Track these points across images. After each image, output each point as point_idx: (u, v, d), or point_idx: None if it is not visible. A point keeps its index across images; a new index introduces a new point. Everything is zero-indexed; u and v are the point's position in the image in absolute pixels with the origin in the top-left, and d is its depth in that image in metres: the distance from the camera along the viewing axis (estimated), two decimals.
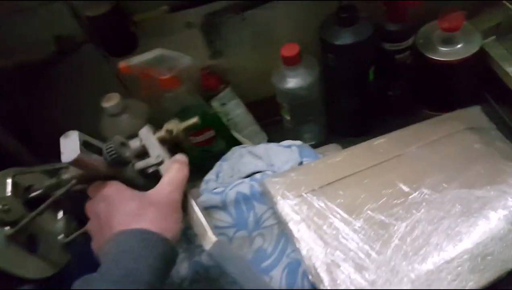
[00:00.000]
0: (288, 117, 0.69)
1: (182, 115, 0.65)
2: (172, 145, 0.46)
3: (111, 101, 0.61)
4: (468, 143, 0.56)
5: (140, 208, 0.38)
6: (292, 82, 0.63)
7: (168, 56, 0.57)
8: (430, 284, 0.43)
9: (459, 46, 0.63)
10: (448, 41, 0.63)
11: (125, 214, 0.37)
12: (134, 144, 0.44)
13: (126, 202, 0.38)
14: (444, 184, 0.49)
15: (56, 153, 0.39)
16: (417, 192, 0.49)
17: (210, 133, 0.69)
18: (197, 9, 0.63)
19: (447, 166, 0.52)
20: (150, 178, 0.43)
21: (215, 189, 0.59)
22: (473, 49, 0.62)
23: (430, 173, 0.51)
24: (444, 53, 0.63)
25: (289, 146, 0.62)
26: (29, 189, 0.44)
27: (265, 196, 0.53)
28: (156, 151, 0.43)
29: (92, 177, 0.41)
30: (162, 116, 0.62)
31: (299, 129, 0.73)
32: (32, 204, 0.43)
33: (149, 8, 0.59)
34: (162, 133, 0.45)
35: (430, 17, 0.66)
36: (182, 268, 0.52)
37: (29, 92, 0.65)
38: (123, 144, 0.42)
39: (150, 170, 0.43)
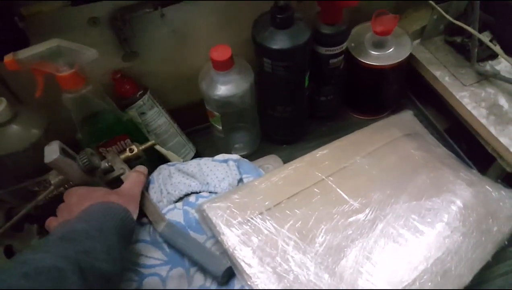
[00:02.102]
0: (219, 127, 0.62)
1: (91, 122, 0.55)
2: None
3: None
4: (407, 150, 0.55)
5: (106, 194, 0.46)
6: (224, 89, 0.56)
7: (67, 48, 0.46)
8: None
9: (390, 50, 0.62)
10: (379, 45, 0.62)
11: (93, 197, 0.45)
12: (103, 164, 0.53)
13: (94, 191, 0.47)
14: (393, 198, 0.47)
15: None
16: (368, 209, 0.46)
17: (126, 143, 0.59)
18: (104, 3, 0.52)
19: (392, 177, 0.51)
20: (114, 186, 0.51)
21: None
22: (404, 53, 0.62)
23: (378, 186, 0.49)
24: (376, 57, 0.62)
25: (225, 161, 0.55)
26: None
27: (203, 224, 0.46)
28: (119, 165, 0.53)
29: (67, 184, 0.50)
30: (63, 123, 0.53)
31: (230, 138, 0.66)
32: None
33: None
34: (126, 153, 0.55)
35: (362, 19, 0.64)
36: None
37: None
38: (93, 154, 0.50)
39: (114, 176, 0.52)
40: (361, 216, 0.45)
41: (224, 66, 0.54)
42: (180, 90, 0.65)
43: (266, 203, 0.46)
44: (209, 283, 0.43)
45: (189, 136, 0.69)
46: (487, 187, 0.51)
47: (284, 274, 0.40)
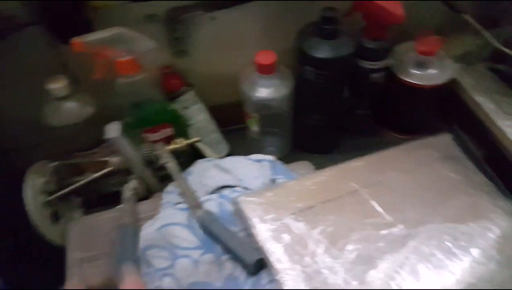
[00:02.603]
0: (255, 128, 0.64)
1: (140, 108, 0.58)
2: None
3: (57, 83, 0.55)
4: (444, 173, 0.55)
5: None
6: (265, 92, 0.58)
7: (128, 36, 0.51)
8: None
9: (432, 71, 0.63)
10: (421, 65, 0.63)
11: None
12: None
13: None
14: (427, 218, 0.47)
15: None
16: (401, 224, 0.46)
17: (168, 131, 0.61)
18: (162, 2, 0.56)
19: (427, 196, 0.51)
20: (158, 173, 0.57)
21: (178, 203, 0.53)
22: (446, 76, 0.62)
23: (412, 204, 0.49)
24: (417, 77, 0.63)
25: (259, 161, 0.57)
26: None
27: (237, 216, 0.48)
28: (165, 155, 0.56)
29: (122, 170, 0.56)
30: (111, 109, 0.57)
31: (263, 141, 0.68)
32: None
33: None
34: (173, 145, 0.59)
35: (405, 38, 0.65)
36: None
37: None
38: (154, 150, 0.56)
39: (158, 165, 0.57)
40: (393, 230, 0.46)
41: (267, 70, 0.56)
42: (221, 90, 0.68)
43: (299, 204, 0.47)
44: (238, 272, 0.44)
45: (224, 135, 0.71)
46: None
47: (312, 275, 0.41)
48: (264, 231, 0.44)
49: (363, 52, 0.59)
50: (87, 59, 0.51)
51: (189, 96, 0.63)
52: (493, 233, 0.46)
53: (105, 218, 0.55)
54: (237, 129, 0.73)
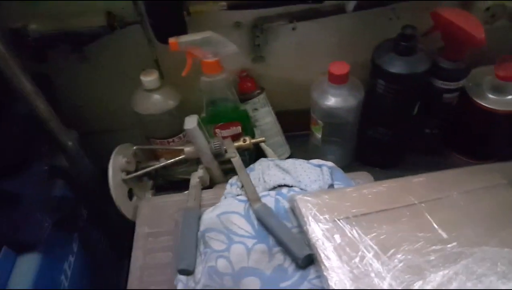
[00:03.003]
0: (319, 135, 0.66)
1: (216, 105, 0.64)
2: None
3: (149, 76, 0.62)
4: (508, 198, 0.53)
5: None
6: (334, 100, 0.60)
7: (216, 40, 0.56)
8: None
9: (510, 97, 0.61)
10: (499, 90, 0.61)
11: None
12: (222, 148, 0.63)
13: None
14: (484, 239, 0.46)
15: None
16: (455, 242, 0.46)
17: (237, 129, 0.66)
18: (250, 11, 0.61)
19: (486, 219, 0.49)
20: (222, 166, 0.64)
21: (238, 195, 0.56)
22: None
23: (469, 224, 0.48)
24: (493, 101, 0.61)
25: (319, 166, 0.59)
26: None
27: (292, 213, 0.50)
28: (232, 150, 0.62)
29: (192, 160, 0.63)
30: (191, 103, 0.63)
31: (325, 149, 0.70)
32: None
33: (207, 1, 0.57)
34: (240, 142, 0.63)
35: (485, 61, 0.64)
36: (197, 271, 0.49)
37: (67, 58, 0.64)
38: (223, 145, 0.61)
39: (225, 158, 0.62)
40: (447, 247, 0.45)
41: (339, 80, 0.58)
42: (291, 96, 0.71)
43: (354, 210, 0.48)
44: (287, 264, 0.47)
45: (287, 139, 0.74)
46: None
47: (359, 276, 0.42)
48: (317, 230, 0.46)
49: (438, 71, 0.59)
50: (176, 57, 0.58)
51: (259, 99, 0.68)
52: None
53: (173, 200, 0.61)
54: (300, 136, 0.76)
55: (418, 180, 0.54)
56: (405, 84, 0.56)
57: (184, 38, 0.55)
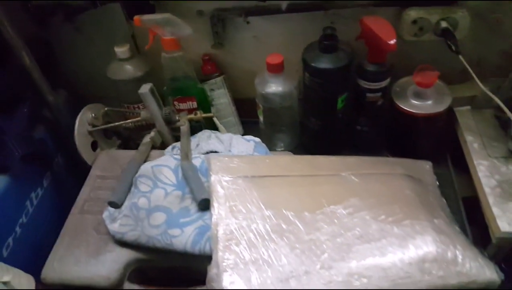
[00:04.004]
0: (261, 118, 0.76)
1: (175, 81, 0.75)
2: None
3: (122, 47, 0.74)
4: (400, 187, 0.60)
5: None
6: (269, 87, 0.70)
7: (174, 21, 0.67)
8: (308, 283, 0.48)
9: (428, 102, 0.68)
10: (419, 96, 0.69)
11: None
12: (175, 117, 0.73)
13: None
14: (364, 208, 0.55)
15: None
16: (330, 208, 0.55)
17: (193, 104, 0.77)
18: (210, 2, 0.72)
19: (370, 197, 0.57)
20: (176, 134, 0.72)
21: (176, 155, 0.67)
22: (440, 108, 0.67)
23: (352, 198, 0.57)
24: (413, 105, 0.69)
25: (249, 140, 0.69)
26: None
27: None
28: (184, 120, 0.72)
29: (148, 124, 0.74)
30: (157, 78, 0.74)
31: (273, 136, 0.80)
32: None
33: None
34: (191, 115, 0.74)
35: (408, 71, 0.71)
36: (123, 206, 0.61)
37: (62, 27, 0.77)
38: (173, 112, 0.71)
39: (176, 125, 0.72)
40: (321, 211, 0.54)
41: (274, 69, 0.68)
42: (246, 84, 0.81)
43: (254, 172, 0.58)
44: (192, 207, 0.58)
45: (244, 124, 0.84)
46: (459, 246, 0.54)
47: (240, 218, 0.52)
48: (216, 181, 0.56)
49: (363, 73, 0.68)
50: (146, 37, 0.70)
51: (216, 81, 0.78)
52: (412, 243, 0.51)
53: (127, 155, 0.73)
54: (254, 122, 0.85)
55: (324, 158, 0.63)
56: (325, 78, 0.65)
57: (146, 17, 0.66)
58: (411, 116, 0.68)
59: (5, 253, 0.63)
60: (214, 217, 0.52)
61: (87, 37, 0.80)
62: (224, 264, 0.49)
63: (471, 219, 0.67)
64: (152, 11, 0.71)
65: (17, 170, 0.68)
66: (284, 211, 0.54)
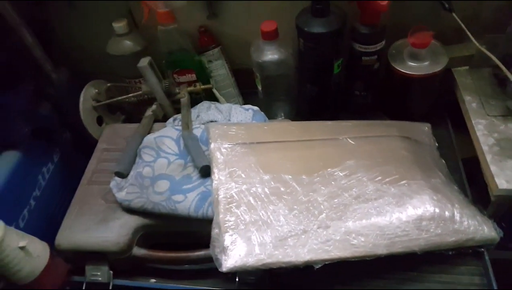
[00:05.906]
0: (259, 88, 0.77)
1: (173, 54, 0.76)
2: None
3: (120, 23, 0.75)
4: (396, 148, 0.62)
5: None
6: (266, 55, 0.70)
7: None
8: (306, 242, 0.51)
9: (424, 63, 0.68)
10: (414, 57, 0.69)
11: None
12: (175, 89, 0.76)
13: None
14: (361, 169, 0.57)
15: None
16: (327, 170, 0.56)
17: (192, 76, 0.78)
18: None
19: (366, 159, 0.59)
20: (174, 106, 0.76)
21: (177, 126, 0.69)
22: (436, 68, 0.67)
23: (348, 160, 0.58)
24: (409, 67, 0.69)
25: (247, 109, 0.71)
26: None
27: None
28: (184, 92, 0.74)
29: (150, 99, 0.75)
30: (156, 52, 0.75)
31: (271, 105, 0.81)
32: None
33: None
34: (191, 87, 0.76)
35: (404, 34, 0.71)
36: (129, 176, 0.64)
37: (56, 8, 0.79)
38: (173, 84, 0.73)
39: (176, 97, 0.75)
40: (318, 173, 0.56)
41: (268, 36, 0.68)
42: (244, 55, 0.81)
43: (252, 139, 0.60)
44: (194, 174, 0.60)
45: (244, 95, 0.85)
46: (456, 204, 0.56)
47: (239, 182, 0.54)
48: (215, 148, 0.58)
49: (356, 36, 0.68)
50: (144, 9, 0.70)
51: (213, 52, 0.79)
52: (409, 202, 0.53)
53: (131, 127, 0.75)
54: (253, 93, 0.86)
55: (321, 123, 0.64)
56: (319, 42, 0.65)
57: None
58: (408, 77, 0.69)
59: (21, 224, 0.67)
60: (214, 183, 0.54)
61: (85, 14, 0.81)
62: (226, 225, 0.51)
63: (472, 181, 0.68)
64: None
65: (28, 146, 0.71)
66: (282, 175, 0.56)
